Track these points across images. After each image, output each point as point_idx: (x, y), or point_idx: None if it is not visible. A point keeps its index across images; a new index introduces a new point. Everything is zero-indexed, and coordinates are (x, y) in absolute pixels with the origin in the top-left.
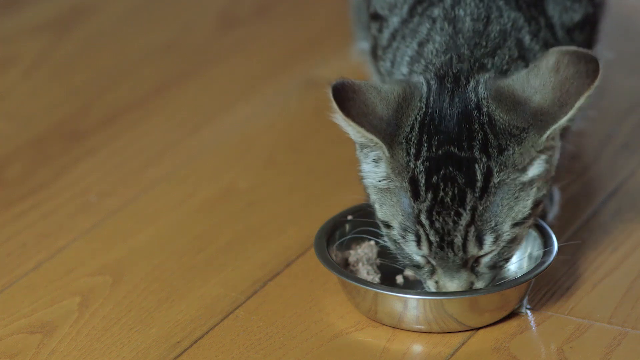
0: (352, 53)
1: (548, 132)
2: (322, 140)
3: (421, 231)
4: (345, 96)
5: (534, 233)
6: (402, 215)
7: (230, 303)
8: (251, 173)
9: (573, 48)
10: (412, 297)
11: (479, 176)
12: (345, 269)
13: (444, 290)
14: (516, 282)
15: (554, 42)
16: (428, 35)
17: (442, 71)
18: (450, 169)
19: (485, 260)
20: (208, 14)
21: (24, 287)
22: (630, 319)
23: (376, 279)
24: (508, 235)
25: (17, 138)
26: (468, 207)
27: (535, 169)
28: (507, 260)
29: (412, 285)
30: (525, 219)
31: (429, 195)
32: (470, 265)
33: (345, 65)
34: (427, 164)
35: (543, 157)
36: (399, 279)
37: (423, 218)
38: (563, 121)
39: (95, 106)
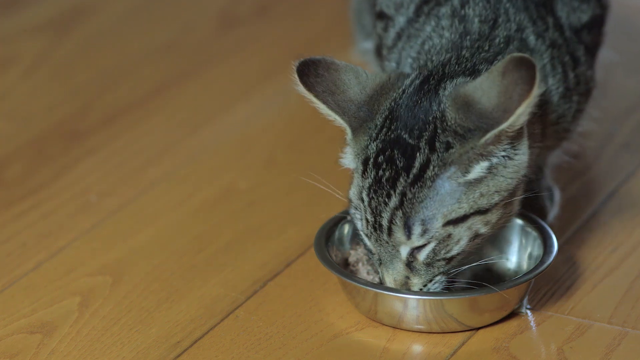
0: (353, 54)
1: (487, 136)
2: (322, 140)
3: (362, 208)
4: (313, 72)
5: (534, 233)
6: (354, 194)
7: (230, 303)
8: (251, 173)
9: (518, 54)
10: (412, 297)
11: (417, 164)
12: (345, 269)
13: (384, 280)
14: (516, 282)
15: (562, 42)
16: (433, 32)
17: (432, 70)
18: (396, 151)
19: (421, 255)
20: (208, 14)
21: (24, 287)
22: (630, 319)
23: (376, 279)
24: (438, 231)
25: (17, 138)
26: (398, 191)
27: (475, 173)
28: (447, 261)
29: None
30: (460, 220)
31: (372, 174)
32: (405, 258)
33: None
34: (380, 145)
35: (485, 162)
36: None
37: (364, 195)
38: (503, 127)
39: (95, 106)
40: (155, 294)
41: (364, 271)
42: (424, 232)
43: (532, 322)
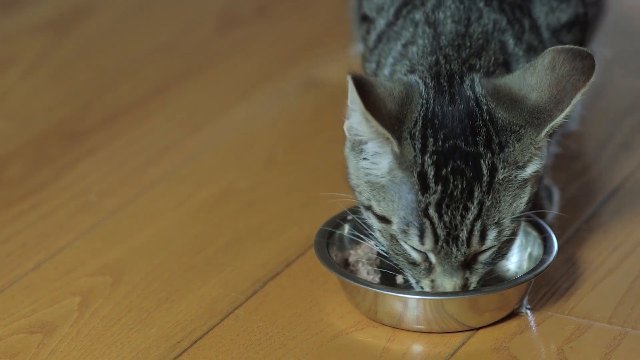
0: (352, 53)
1: (546, 129)
2: (322, 140)
3: (427, 225)
4: (364, 89)
5: (534, 233)
6: (405, 210)
7: (230, 303)
8: (251, 173)
9: (569, 46)
10: (412, 297)
11: (485, 171)
12: (345, 269)
13: (439, 288)
14: (516, 282)
15: (537, 44)
16: (412, 37)
17: (434, 70)
18: (459, 162)
19: (483, 256)
20: (208, 14)
21: (24, 287)
22: (630, 319)
23: (376, 279)
24: (509, 229)
25: (17, 138)
26: (476, 201)
27: (533, 166)
28: (504, 256)
29: (412, 285)
30: (522, 214)
31: (439, 188)
32: (467, 261)
33: (345, 65)
34: (435, 157)
35: (540, 154)
36: (399, 279)
37: (432, 211)
38: (560, 118)
39: (95, 106)
40: (155, 294)
41: (364, 271)
42: (499, 234)
43: (532, 322)
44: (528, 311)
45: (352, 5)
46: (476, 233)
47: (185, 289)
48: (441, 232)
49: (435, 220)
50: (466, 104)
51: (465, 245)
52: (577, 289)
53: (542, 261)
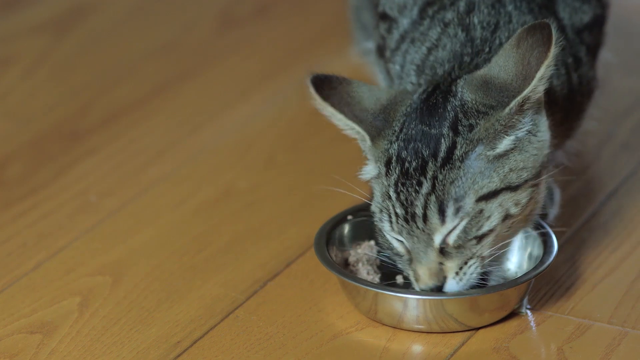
0: (352, 54)
1: (511, 104)
2: (322, 140)
3: (390, 206)
4: (327, 85)
5: (533, 233)
6: (380, 198)
7: (230, 303)
8: (251, 173)
9: (531, 23)
10: (412, 297)
11: (443, 147)
12: (345, 269)
13: (417, 278)
14: (516, 282)
15: (565, 44)
16: (438, 40)
17: (440, 79)
18: (419, 143)
19: (451, 238)
20: (208, 14)
21: (24, 287)
22: (630, 319)
23: (376, 279)
24: (471, 208)
25: (17, 138)
26: (429, 176)
27: (502, 146)
28: (478, 239)
29: (412, 285)
30: (492, 195)
31: (397, 169)
32: (437, 245)
33: (345, 65)
34: (401, 143)
35: (511, 135)
36: (399, 279)
37: (391, 191)
38: (526, 93)
39: (95, 106)
40: (155, 294)
41: (364, 271)
42: (458, 210)
43: (532, 322)
44: (528, 311)
45: (351, 5)
46: (432, 208)
47: (185, 289)
48: (399, 211)
49: (394, 199)
50: (445, 98)
51: (422, 222)
52: (577, 289)
53: (542, 261)
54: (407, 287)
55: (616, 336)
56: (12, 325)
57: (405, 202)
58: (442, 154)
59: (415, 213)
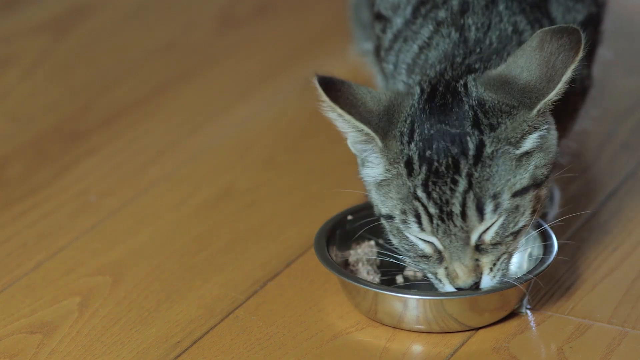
0: (351, 54)
1: (538, 107)
2: (322, 140)
3: (419, 207)
4: (333, 87)
5: (534, 233)
6: (400, 200)
7: (230, 303)
8: (251, 173)
9: (555, 25)
10: (412, 297)
11: (471, 146)
12: (345, 269)
13: (453, 276)
14: (516, 282)
15: None
16: (430, 39)
17: (435, 79)
18: (443, 142)
19: (488, 236)
20: (208, 14)
21: (24, 287)
22: (630, 319)
23: (376, 279)
24: (508, 203)
25: (17, 138)
26: (464, 174)
27: (529, 144)
28: (514, 235)
29: (412, 285)
30: (525, 189)
31: (423, 168)
32: (474, 243)
33: (345, 65)
34: (420, 143)
35: (536, 133)
36: (399, 279)
37: (420, 192)
38: (551, 95)
39: (95, 106)
40: (155, 294)
41: (364, 271)
42: (496, 207)
43: (532, 322)
44: (528, 311)
45: (351, 5)
46: (471, 205)
47: (185, 289)
48: (433, 210)
49: (424, 199)
50: (455, 97)
51: (461, 219)
52: (577, 289)
53: (542, 261)
54: (407, 287)
55: (616, 336)
56: (12, 325)
57: (439, 201)
58: (472, 152)
59: (452, 211)
